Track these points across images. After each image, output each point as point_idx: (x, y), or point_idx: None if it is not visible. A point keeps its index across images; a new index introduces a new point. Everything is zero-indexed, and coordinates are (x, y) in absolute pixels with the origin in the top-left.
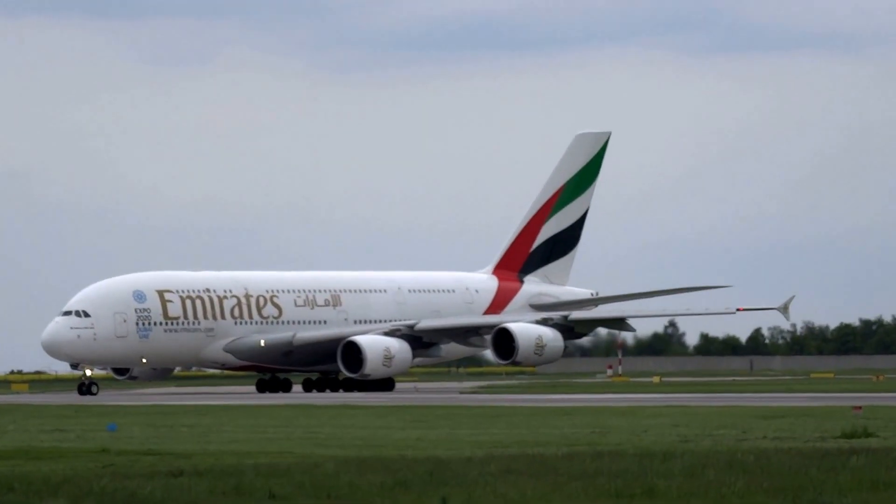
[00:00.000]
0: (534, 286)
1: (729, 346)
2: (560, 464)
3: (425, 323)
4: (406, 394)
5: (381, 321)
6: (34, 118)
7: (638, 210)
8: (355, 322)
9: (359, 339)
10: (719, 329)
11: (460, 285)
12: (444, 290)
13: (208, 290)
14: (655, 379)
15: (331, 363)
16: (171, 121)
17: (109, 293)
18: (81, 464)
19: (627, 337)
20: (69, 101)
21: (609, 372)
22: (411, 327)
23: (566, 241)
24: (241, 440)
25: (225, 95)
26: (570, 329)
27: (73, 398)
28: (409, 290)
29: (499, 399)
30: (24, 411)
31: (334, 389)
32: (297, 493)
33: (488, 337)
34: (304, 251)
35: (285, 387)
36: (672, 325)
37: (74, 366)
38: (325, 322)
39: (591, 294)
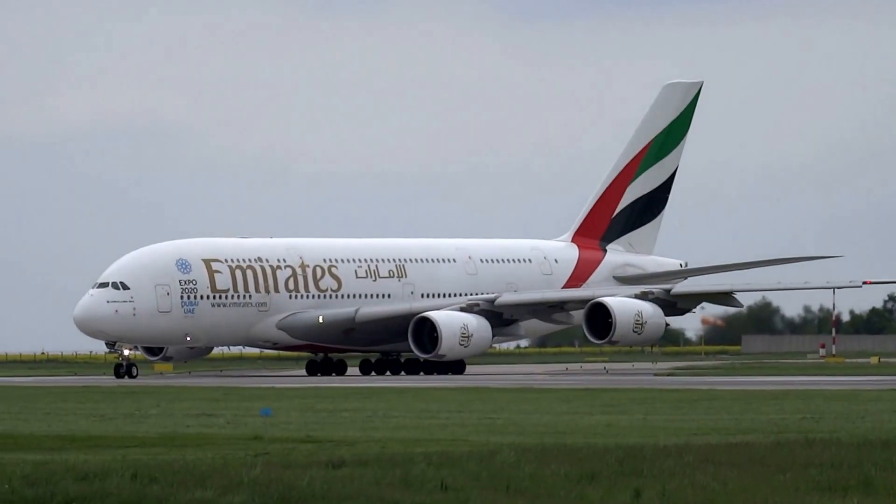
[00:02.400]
0: (618, 256)
1: None
2: (767, 453)
3: (507, 297)
4: (482, 378)
5: (450, 295)
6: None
7: (729, 171)
8: (422, 296)
9: (433, 315)
10: None
11: (537, 254)
12: (519, 260)
13: (260, 260)
14: (874, 359)
15: (396, 342)
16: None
17: (150, 263)
18: (232, 452)
19: (843, 312)
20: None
21: (822, 352)
22: (491, 302)
23: (652, 204)
24: (409, 426)
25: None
26: (672, 304)
27: (216, 380)
28: (482, 260)
29: (698, 381)
30: (168, 394)
31: (395, 372)
32: (471, 484)
33: (574, 313)
34: (364, 215)
35: (340, 369)
36: (893, 299)
37: (111, 345)
38: (388, 296)
39: (681, 265)
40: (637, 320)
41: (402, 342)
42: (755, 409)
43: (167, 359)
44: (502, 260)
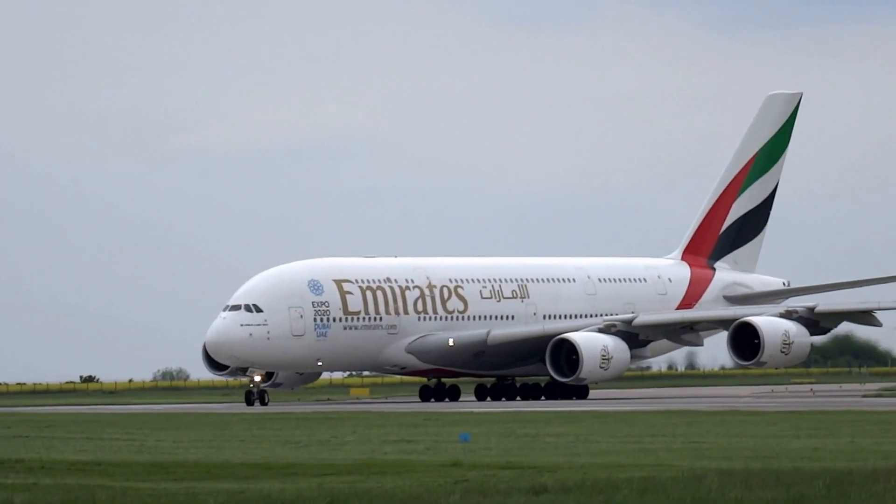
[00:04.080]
0: (726, 274)
1: None
2: None
3: (644, 318)
4: (630, 401)
5: (572, 316)
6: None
7: (829, 185)
8: (544, 317)
9: (573, 336)
10: None
11: (652, 273)
12: (635, 280)
13: (389, 280)
14: None
15: (526, 365)
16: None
17: (282, 283)
18: (431, 479)
19: None
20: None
21: None
22: (629, 322)
23: (756, 220)
24: (612, 451)
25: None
26: (815, 323)
27: (419, 405)
28: (600, 280)
29: None
30: (366, 419)
31: (510, 397)
32: None
33: (702, 333)
34: (479, 232)
35: (453, 395)
36: None
37: (242, 370)
38: (512, 317)
39: (783, 283)
40: (785, 340)
41: (531, 365)
42: None
43: (276, 385)
44: (619, 279)
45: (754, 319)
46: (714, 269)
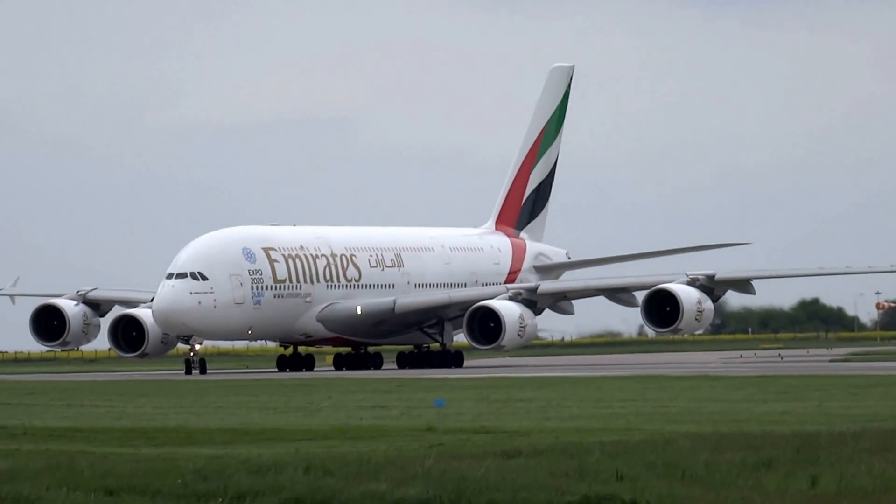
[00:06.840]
0: (532, 245)
1: None
2: None
3: (547, 286)
4: (482, 371)
5: (434, 285)
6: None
7: (599, 157)
8: (415, 286)
9: (495, 304)
10: None
11: (486, 243)
12: (475, 249)
13: (303, 248)
14: None
15: (413, 333)
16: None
17: (220, 252)
18: (405, 444)
19: None
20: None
21: None
22: (533, 290)
23: (546, 191)
24: (583, 416)
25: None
26: (710, 291)
27: (277, 374)
28: (451, 249)
29: (875, 367)
30: (340, 386)
31: (365, 367)
32: (646, 473)
33: (574, 302)
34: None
35: (308, 364)
36: None
37: (186, 339)
38: (392, 286)
39: (566, 254)
40: (698, 308)
41: (417, 333)
42: None
43: (143, 356)
44: (465, 249)
45: (672, 287)
46: (523, 240)
